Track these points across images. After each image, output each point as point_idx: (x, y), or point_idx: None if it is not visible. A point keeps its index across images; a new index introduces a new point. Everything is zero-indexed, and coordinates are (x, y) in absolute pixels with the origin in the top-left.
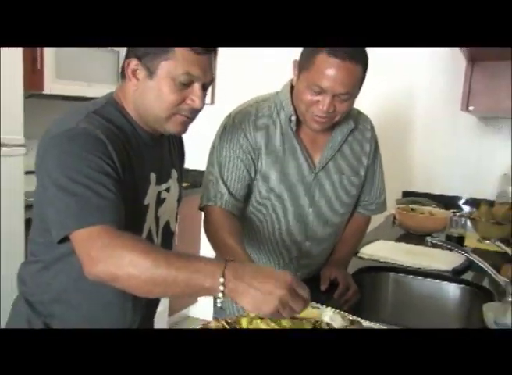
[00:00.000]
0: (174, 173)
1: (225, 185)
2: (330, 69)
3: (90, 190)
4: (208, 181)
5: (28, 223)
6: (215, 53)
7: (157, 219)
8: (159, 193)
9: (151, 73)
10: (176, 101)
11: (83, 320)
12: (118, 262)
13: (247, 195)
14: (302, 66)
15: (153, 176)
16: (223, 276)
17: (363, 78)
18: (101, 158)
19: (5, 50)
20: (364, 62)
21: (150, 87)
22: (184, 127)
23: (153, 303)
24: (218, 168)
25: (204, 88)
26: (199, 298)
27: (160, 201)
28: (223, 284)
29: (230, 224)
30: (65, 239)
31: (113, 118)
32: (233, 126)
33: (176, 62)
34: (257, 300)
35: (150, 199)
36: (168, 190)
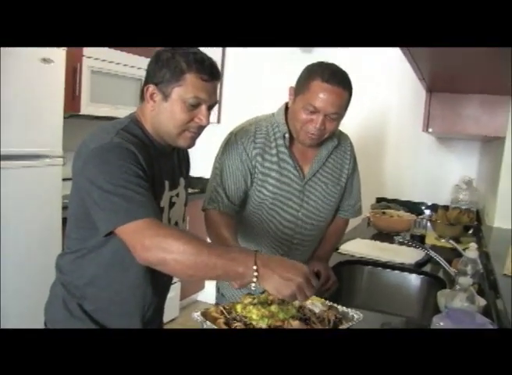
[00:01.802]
0: (182, 181)
1: (225, 192)
2: (323, 92)
3: (131, 190)
4: (211, 187)
5: (64, 221)
6: (219, 79)
7: (169, 220)
8: (171, 197)
9: (165, 97)
10: (186, 119)
11: (110, 301)
12: (166, 249)
13: (244, 200)
14: (298, 90)
15: (167, 183)
16: (255, 264)
17: (349, 102)
18: (135, 166)
19: (49, 79)
20: (350, 89)
21: (164, 108)
22: (192, 142)
23: (167, 288)
24: (220, 177)
25: (210, 108)
26: (206, 285)
27: (171, 205)
28: (255, 271)
29: (226, 222)
30: (110, 233)
31: (137, 134)
32: (235, 141)
33: (186, 87)
34: (279, 285)
35: (164, 203)
36: (177, 195)
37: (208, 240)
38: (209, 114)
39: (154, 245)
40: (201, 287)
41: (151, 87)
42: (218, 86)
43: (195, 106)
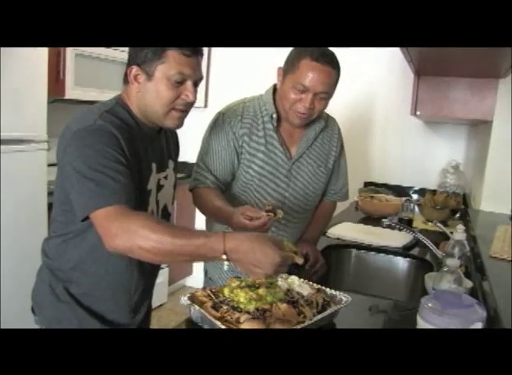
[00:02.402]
0: (171, 163)
1: (211, 172)
2: (312, 71)
3: (107, 176)
4: (198, 167)
5: (50, 206)
6: (202, 54)
7: (157, 202)
8: (159, 180)
9: (149, 76)
10: (172, 97)
11: (96, 285)
12: (131, 238)
13: (232, 180)
14: (287, 70)
15: (154, 166)
16: (224, 252)
17: (337, 81)
18: (115, 150)
19: (32, 63)
20: (338, 68)
21: (149, 88)
22: (180, 122)
23: (155, 272)
24: (206, 156)
25: (195, 85)
26: (194, 270)
27: (159, 187)
28: (225, 254)
29: (215, 193)
30: (87, 218)
31: (122, 116)
32: (222, 121)
33: (169, 64)
34: (248, 271)
35: (152, 185)
36: (166, 177)
37: (200, 220)
38: (195, 90)
39: (120, 233)
40: (189, 272)
41: (134, 69)
42: (202, 61)
43: (180, 83)
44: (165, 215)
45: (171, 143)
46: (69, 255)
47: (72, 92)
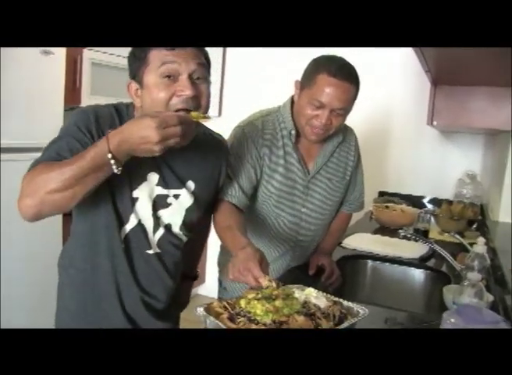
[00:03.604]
0: (191, 184)
1: (240, 186)
2: (329, 87)
3: (54, 145)
4: (226, 181)
5: (64, 213)
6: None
7: (156, 218)
8: (163, 196)
9: (141, 85)
10: (166, 96)
11: (84, 284)
12: (36, 191)
13: (253, 194)
14: (304, 84)
15: (153, 176)
16: (110, 151)
17: (356, 96)
18: (78, 128)
19: (50, 71)
20: (357, 84)
21: (145, 97)
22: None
23: (157, 283)
24: (231, 171)
25: (192, 78)
26: (207, 278)
27: (163, 204)
28: (113, 158)
29: (236, 215)
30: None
31: (123, 112)
32: (243, 136)
33: (153, 63)
34: (142, 151)
35: (142, 195)
36: (176, 196)
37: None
38: (193, 84)
39: (26, 193)
40: (202, 280)
41: (132, 83)
42: (199, 53)
43: (172, 79)
44: (169, 236)
45: (205, 165)
46: (67, 253)
47: (88, 101)
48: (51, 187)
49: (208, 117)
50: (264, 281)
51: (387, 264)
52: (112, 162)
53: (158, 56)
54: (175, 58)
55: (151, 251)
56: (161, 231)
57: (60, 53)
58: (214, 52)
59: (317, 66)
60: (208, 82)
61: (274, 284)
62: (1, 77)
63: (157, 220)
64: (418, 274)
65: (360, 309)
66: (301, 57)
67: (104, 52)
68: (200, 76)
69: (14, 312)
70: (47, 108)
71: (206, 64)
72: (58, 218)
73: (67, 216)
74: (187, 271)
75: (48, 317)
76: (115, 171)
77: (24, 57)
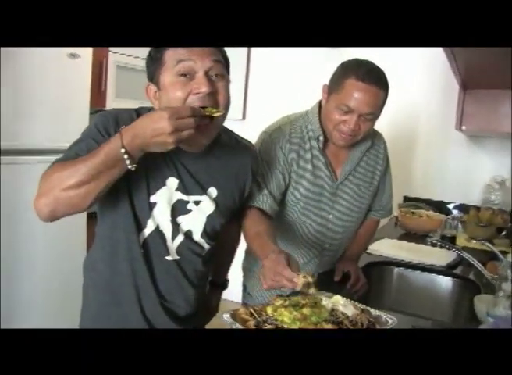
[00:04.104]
0: (212, 191)
1: (269, 192)
2: (358, 91)
3: (75, 146)
4: (254, 187)
5: (89, 216)
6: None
7: (175, 224)
8: (183, 202)
9: (159, 86)
10: (183, 95)
11: (105, 287)
12: (50, 189)
13: (280, 201)
14: (331, 89)
15: (173, 181)
16: (123, 146)
17: (385, 101)
18: (98, 130)
19: (76, 74)
20: (386, 88)
21: (162, 98)
22: (208, 127)
23: (176, 289)
24: (260, 177)
25: (209, 75)
26: (230, 283)
27: (182, 210)
28: (126, 153)
29: (265, 222)
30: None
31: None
32: (271, 142)
33: (168, 62)
34: (155, 145)
35: (160, 200)
36: (197, 203)
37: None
38: (209, 81)
39: (41, 191)
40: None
41: (150, 86)
42: (216, 50)
43: (188, 77)
44: (190, 243)
45: (227, 171)
46: (90, 255)
47: (112, 103)
48: (66, 184)
49: (221, 112)
50: (300, 279)
51: (414, 271)
52: (126, 157)
53: (173, 55)
54: (190, 56)
55: (169, 258)
56: (180, 238)
57: (87, 56)
58: (238, 54)
59: (345, 71)
60: (226, 80)
61: (310, 279)
62: (29, 80)
63: (176, 227)
64: (446, 282)
65: (389, 318)
66: (327, 59)
67: (129, 55)
68: (218, 74)
69: (37, 313)
70: (73, 110)
71: (223, 61)
72: (83, 220)
73: (92, 219)
74: (215, 278)
75: (72, 320)
76: (129, 167)
77: (51, 60)
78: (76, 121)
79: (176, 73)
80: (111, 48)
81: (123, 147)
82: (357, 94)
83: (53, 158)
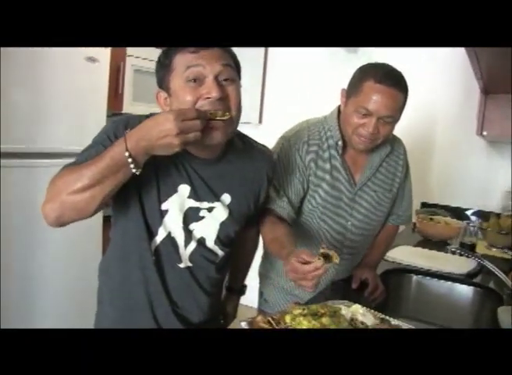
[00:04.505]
0: (226, 197)
1: (288, 197)
2: (377, 94)
3: (85, 151)
4: (272, 192)
5: (105, 219)
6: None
7: (187, 231)
8: (195, 209)
9: (169, 92)
10: (193, 99)
11: (118, 292)
12: (57, 194)
13: (299, 207)
14: (350, 93)
15: (184, 188)
16: (127, 149)
17: (404, 104)
18: (108, 137)
19: (94, 78)
20: (405, 91)
21: (173, 103)
22: (217, 131)
23: (190, 296)
24: (278, 183)
25: (219, 80)
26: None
27: (195, 217)
28: (130, 157)
29: (284, 227)
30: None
31: None
32: (289, 147)
33: (178, 67)
34: (160, 147)
35: (171, 207)
36: (210, 210)
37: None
38: (219, 86)
39: (48, 197)
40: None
41: (160, 93)
42: (225, 54)
43: (198, 82)
44: (203, 250)
45: (243, 179)
46: (103, 259)
47: (129, 107)
48: (71, 188)
49: (227, 115)
50: (319, 260)
51: (432, 279)
52: (130, 161)
53: (182, 61)
54: (199, 61)
55: (182, 265)
56: (193, 245)
57: (105, 60)
58: (255, 56)
59: (363, 74)
60: (236, 83)
61: (331, 252)
62: (48, 83)
63: (188, 234)
64: (466, 291)
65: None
66: (345, 62)
67: (145, 58)
68: (228, 78)
69: (55, 316)
70: (90, 114)
71: (233, 65)
72: (99, 222)
73: (107, 222)
74: (232, 284)
75: (90, 322)
76: (134, 171)
77: (70, 64)
78: (94, 124)
79: (185, 79)
80: (128, 52)
81: (127, 150)
82: (375, 96)
83: (70, 161)
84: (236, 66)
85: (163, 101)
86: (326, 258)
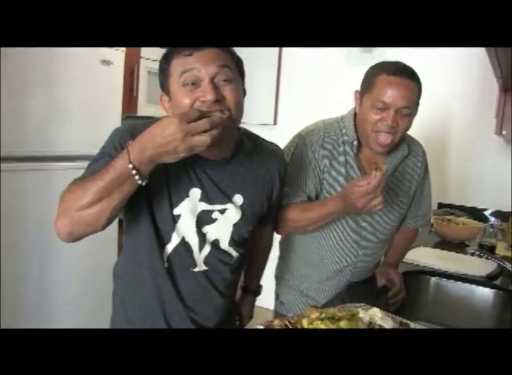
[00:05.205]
0: (238, 198)
1: (305, 193)
2: (391, 86)
3: (92, 164)
4: (287, 189)
5: (120, 222)
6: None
7: (201, 234)
8: (208, 211)
9: (170, 96)
10: (190, 101)
11: (132, 298)
12: (66, 210)
13: None
14: (364, 90)
15: (195, 192)
16: (130, 161)
17: (419, 97)
18: (113, 145)
19: (109, 80)
20: (418, 81)
21: (173, 107)
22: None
23: (205, 302)
24: (291, 180)
25: (215, 82)
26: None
27: (207, 220)
28: (134, 168)
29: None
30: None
31: None
32: (304, 146)
33: (174, 70)
34: (166, 155)
35: (184, 211)
36: (222, 211)
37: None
38: (215, 88)
39: (59, 212)
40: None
41: (163, 97)
42: (222, 54)
43: (195, 85)
44: (217, 252)
45: (254, 178)
46: (117, 265)
47: (144, 109)
48: (79, 204)
49: (226, 114)
50: (376, 172)
51: (451, 281)
52: (134, 172)
53: (178, 65)
54: (194, 64)
55: (196, 269)
56: (207, 248)
57: (119, 63)
58: (269, 59)
59: (375, 70)
60: (235, 83)
61: (377, 164)
62: (62, 86)
63: (202, 237)
64: (486, 293)
65: None
66: (360, 63)
67: (158, 60)
68: (226, 79)
69: (72, 318)
70: (105, 116)
71: (232, 65)
72: (114, 225)
73: (122, 226)
74: (248, 284)
75: (106, 325)
76: (139, 182)
77: (84, 67)
78: (109, 127)
79: (182, 83)
80: (142, 54)
81: (131, 162)
82: (390, 88)
83: (85, 164)
84: (236, 65)
85: (166, 105)
86: (377, 170)
